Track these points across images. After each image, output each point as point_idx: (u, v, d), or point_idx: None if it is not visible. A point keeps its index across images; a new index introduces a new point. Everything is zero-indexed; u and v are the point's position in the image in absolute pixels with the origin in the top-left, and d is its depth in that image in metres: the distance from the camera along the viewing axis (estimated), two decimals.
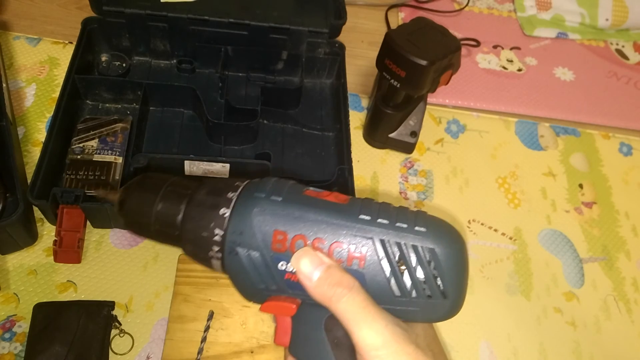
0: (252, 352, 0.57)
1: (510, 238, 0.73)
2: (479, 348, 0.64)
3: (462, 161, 0.79)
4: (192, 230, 0.33)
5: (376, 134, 0.76)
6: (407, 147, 0.76)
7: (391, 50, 0.63)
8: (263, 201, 0.32)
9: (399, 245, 0.30)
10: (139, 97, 0.71)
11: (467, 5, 0.99)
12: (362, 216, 0.31)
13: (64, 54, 0.78)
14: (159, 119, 0.73)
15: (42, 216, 0.62)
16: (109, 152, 0.65)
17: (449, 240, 0.31)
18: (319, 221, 0.31)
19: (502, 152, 0.81)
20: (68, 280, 0.60)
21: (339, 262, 0.31)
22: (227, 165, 0.64)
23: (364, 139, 0.78)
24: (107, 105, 0.73)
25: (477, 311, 0.66)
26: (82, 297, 0.59)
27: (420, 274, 0.30)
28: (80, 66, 0.69)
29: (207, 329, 0.57)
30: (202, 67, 0.78)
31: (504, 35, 0.96)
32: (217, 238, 0.32)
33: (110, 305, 0.58)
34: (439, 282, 0.30)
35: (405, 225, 0.31)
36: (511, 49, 0.95)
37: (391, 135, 0.75)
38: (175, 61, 0.78)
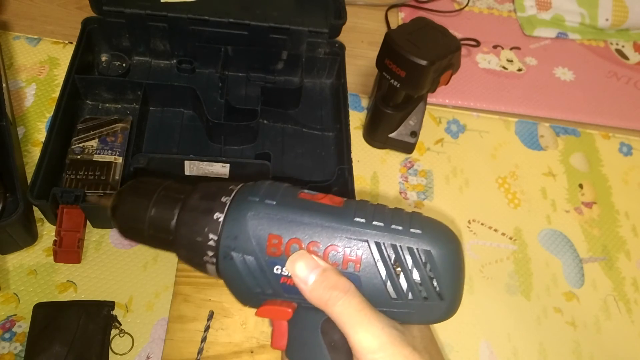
0: (252, 352, 0.57)
1: (510, 238, 0.73)
2: (479, 348, 0.64)
3: (462, 161, 0.79)
4: (186, 235, 0.33)
5: (376, 134, 0.76)
6: (407, 147, 0.76)
7: (391, 50, 0.63)
8: (257, 205, 0.32)
9: (394, 247, 0.30)
10: (139, 97, 0.71)
11: (467, 5, 0.99)
12: (357, 219, 0.31)
13: (64, 54, 0.78)
14: (159, 119, 0.73)
15: (42, 216, 0.62)
16: (109, 152, 0.65)
17: (445, 241, 0.31)
18: (313, 224, 0.31)
19: (502, 152, 0.81)
20: (68, 280, 0.60)
21: (334, 265, 0.31)
22: (227, 165, 0.64)
23: (364, 139, 0.78)
24: (107, 105, 0.73)
25: (477, 311, 0.66)
26: (82, 297, 0.59)
27: (416, 275, 0.30)
28: (80, 66, 0.69)
29: (207, 329, 0.57)
30: (202, 67, 0.78)
31: (504, 35, 0.96)
32: (211, 243, 0.32)
33: (110, 305, 0.58)
34: (435, 283, 0.30)
35: (400, 228, 0.31)
36: (511, 49, 0.94)
37: (391, 135, 0.75)
38: (175, 61, 0.78)
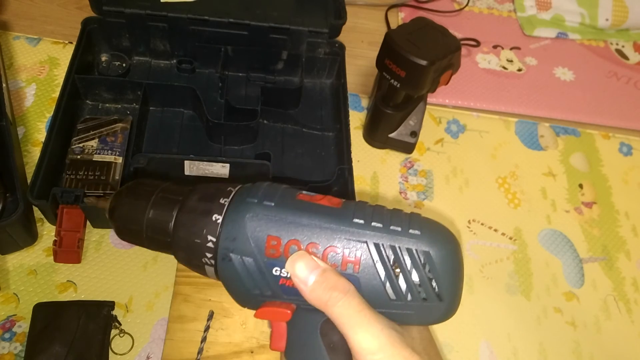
0: (252, 352, 0.57)
1: (510, 238, 0.73)
2: (479, 348, 0.64)
3: (462, 161, 0.79)
4: (184, 237, 0.33)
5: (376, 134, 0.76)
6: (407, 147, 0.76)
7: (391, 50, 0.63)
8: (256, 206, 0.32)
9: (393, 248, 0.30)
10: (139, 97, 0.71)
11: (467, 5, 0.99)
12: (356, 220, 0.31)
13: (64, 54, 0.78)
14: (159, 119, 0.73)
15: (42, 216, 0.62)
16: (109, 152, 0.65)
17: (444, 242, 0.31)
18: (312, 226, 0.31)
19: (502, 152, 0.81)
20: (68, 280, 0.60)
21: (333, 266, 0.31)
22: (227, 165, 0.64)
23: (364, 139, 0.78)
24: (107, 105, 0.73)
25: (477, 311, 0.66)
26: (82, 297, 0.59)
27: (415, 277, 0.30)
28: (80, 66, 0.69)
29: (207, 329, 0.57)
30: (202, 67, 0.78)
31: (504, 35, 0.96)
32: (209, 245, 0.32)
33: (110, 305, 0.58)
34: (434, 284, 0.30)
35: (399, 229, 0.31)
36: (511, 49, 0.94)
37: (391, 135, 0.75)
38: (175, 61, 0.78)
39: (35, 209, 0.62)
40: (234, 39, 0.74)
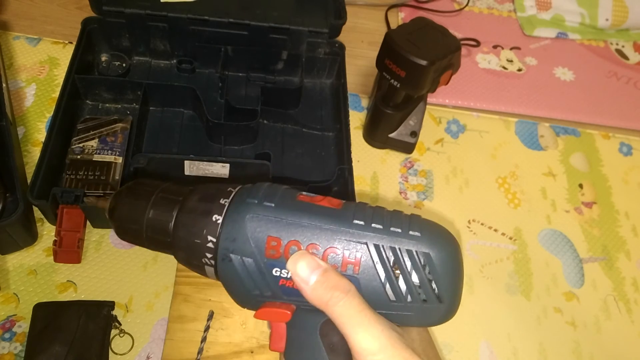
0: (252, 352, 0.57)
1: (510, 238, 0.73)
2: (479, 348, 0.64)
3: (462, 161, 0.79)
4: (184, 237, 0.33)
5: (376, 134, 0.76)
6: (407, 147, 0.76)
7: (391, 50, 0.63)
8: (256, 207, 0.32)
9: (393, 249, 0.30)
10: (139, 97, 0.71)
11: (467, 5, 0.99)
12: (356, 221, 0.31)
13: (64, 54, 0.78)
14: (159, 119, 0.73)
15: (42, 216, 0.62)
16: (109, 152, 0.65)
17: (444, 244, 0.31)
18: (313, 226, 0.31)
19: (502, 152, 0.81)
20: (68, 280, 0.60)
21: (333, 267, 0.31)
22: (227, 165, 0.64)
23: (364, 139, 0.78)
24: (107, 105, 0.73)
25: (477, 311, 0.66)
26: (82, 297, 0.59)
27: (415, 278, 0.30)
28: (80, 66, 0.69)
29: (207, 329, 0.57)
30: (202, 67, 0.78)
31: (504, 35, 0.96)
32: (209, 245, 0.32)
33: (110, 305, 0.58)
34: (434, 286, 0.30)
35: (399, 230, 0.31)
36: (511, 49, 0.94)
37: (391, 135, 0.75)
38: (175, 61, 0.78)
39: (35, 209, 0.62)
40: (234, 39, 0.74)
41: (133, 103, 0.73)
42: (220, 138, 0.72)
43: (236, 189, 0.33)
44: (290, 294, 0.32)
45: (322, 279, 0.30)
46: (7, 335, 0.56)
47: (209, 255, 0.32)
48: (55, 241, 0.58)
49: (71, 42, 0.79)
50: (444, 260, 0.30)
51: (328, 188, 0.67)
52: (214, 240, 0.32)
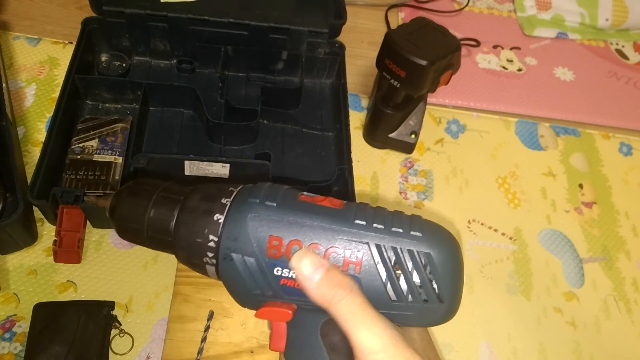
0: (252, 352, 0.57)
1: (510, 238, 0.73)
2: (479, 348, 0.64)
3: (462, 161, 0.79)
4: (186, 236, 0.33)
5: (376, 134, 0.76)
6: (407, 147, 0.76)
7: (391, 50, 0.63)
8: (257, 206, 0.32)
9: (394, 249, 0.30)
10: (139, 97, 0.71)
11: (467, 5, 0.99)
12: (357, 221, 0.31)
13: (64, 54, 0.78)
14: (159, 119, 0.73)
15: (42, 216, 0.62)
16: (109, 152, 0.65)
17: (445, 244, 0.31)
18: (314, 226, 0.31)
19: (502, 152, 0.81)
20: (68, 280, 0.60)
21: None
22: (227, 165, 0.64)
23: (364, 139, 0.78)
24: (107, 105, 0.73)
25: (477, 311, 0.66)
26: (82, 297, 0.59)
27: (416, 278, 0.30)
28: (80, 66, 0.69)
29: (207, 329, 0.57)
30: (202, 67, 0.78)
31: (504, 35, 0.96)
32: (211, 244, 0.32)
33: (110, 305, 0.58)
34: (435, 286, 0.30)
35: (400, 230, 0.31)
36: (511, 49, 0.94)
37: (391, 135, 0.75)
38: (175, 61, 0.78)
39: (35, 209, 0.62)
40: (234, 39, 0.74)
41: (133, 103, 0.73)
42: (220, 138, 0.72)
43: (238, 189, 0.34)
44: (292, 293, 0.32)
45: (326, 276, 0.30)
46: (7, 335, 0.56)
47: (210, 255, 0.32)
48: (55, 241, 0.58)
49: (71, 42, 0.79)
50: (444, 260, 0.30)
51: (328, 188, 0.67)
52: (216, 239, 0.32)
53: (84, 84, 0.70)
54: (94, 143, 0.66)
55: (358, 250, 0.31)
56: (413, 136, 0.74)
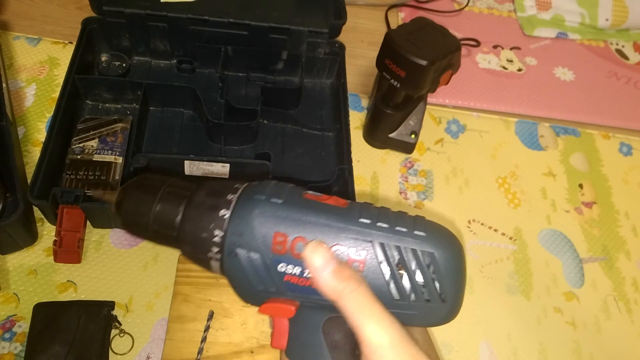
0: (252, 352, 0.57)
1: (510, 238, 0.73)
2: (479, 348, 0.64)
3: (462, 161, 0.79)
4: (191, 231, 0.33)
5: (376, 134, 0.76)
6: (407, 147, 0.76)
7: (391, 50, 0.63)
8: (263, 203, 0.32)
9: (398, 249, 0.31)
10: (139, 97, 0.71)
11: (467, 5, 0.99)
12: (362, 219, 0.31)
13: (64, 54, 0.78)
14: (159, 119, 0.73)
15: (42, 216, 0.62)
16: (109, 152, 0.65)
17: (448, 245, 0.31)
18: (319, 224, 0.31)
19: (502, 152, 0.81)
20: (68, 280, 0.60)
21: None
22: (227, 165, 0.64)
23: (364, 139, 0.78)
24: (107, 105, 0.73)
25: (477, 311, 0.66)
26: (82, 297, 0.59)
27: (419, 277, 0.31)
28: (80, 66, 0.69)
29: (207, 329, 0.57)
30: (202, 67, 0.78)
31: (504, 35, 0.96)
32: (216, 239, 0.32)
33: (110, 305, 0.58)
34: (438, 286, 0.31)
35: (405, 230, 0.31)
36: (511, 49, 0.94)
37: (391, 135, 0.75)
38: (175, 61, 0.78)
39: (35, 209, 0.62)
40: (234, 39, 0.74)
41: (133, 103, 0.73)
42: (220, 138, 0.72)
43: (243, 186, 0.34)
44: (295, 290, 0.32)
45: (338, 269, 0.30)
46: (7, 335, 0.56)
47: (215, 250, 0.33)
48: (55, 241, 0.58)
49: (71, 42, 0.79)
50: (448, 260, 0.31)
51: (328, 188, 0.67)
52: (221, 234, 0.32)
53: (84, 84, 0.70)
54: (94, 143, 0.66)
55: (362, 249, 0.31)
56: (413, 136, 0.74)
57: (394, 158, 0.77)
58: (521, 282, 0.69)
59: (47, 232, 0.62)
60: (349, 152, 0.68)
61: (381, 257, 0.31)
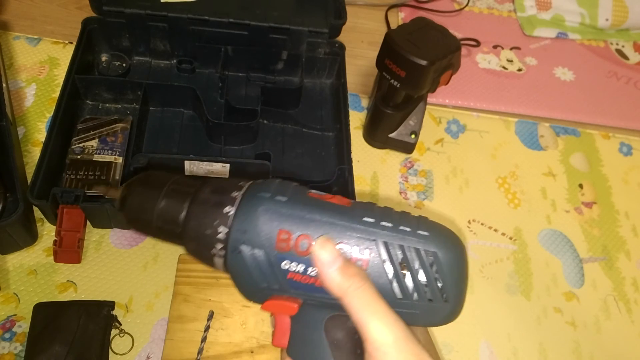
0: (252, 352, 0.57)
1: (510, 238, 0.73)
2: (479, 348, 0.64)
3: (462, 161, 0.79)
4: (196, 227, 0.33)
5: (376, 134, 0.76)
6: (407, 147, 0.76)
7: (391, 50, 0.63)
8: (268, 201, 0.32)
9: (402, 248, 0.31)
10: (139, 97, 0.71)
11: (467, 5, 0.99)
12: (366, 218, 0.31)
13: (64, 54, 0.78)
14: (159, 119, 0.73)
15: (42, 216, 0.62)
16: (109, 152, 0.65)
17: (451, 244, 0.31)
18: (323, 222, 0.31)
19: (502, 152, 0.81)
20: (68, 280, 0.60)
21: None
22: (227, 165, 0.64)
23: (364, 139, 0.78)
24: (107, 105, 0.73)
25: (477, 311, 0.66)
26: (82, 297, 0.59)
27: (422, 277, 0.31)
28: (80, 66, 0.69)
29: (207, 329, 0.57)
30: (202, 67, 0.78)
31: (504, 35, 0.96)
32: (221, 236, 0.32)
33: (110, 305, 0.58)
34: (440, 285, 0.31)
35: (408, 229, 0.31)
36: (511, 49, 0.95)
37: (391, 135, 0.75)
38: (175, 61, 0.78)
39: (35, 209, 0.62)
40: (234, 39, 0.74)
41: (133, 103, 0.73)
42: (220, 138, 0.72)
43: (248, 183, 0.34)
44: (298, 287, 0.32)
45: (345, 265, 0.30)
46: (7, 335, 0.56)
47: (219, 247, 0.33)
48: (55, 241, 0.58)
49: (71, 42, 0.79)
50: (450, 260, 0.31)
51: (328, 188, 0.67)
52: (226, 231, 0.32)
53: (84, 84, 0.70)
54: (94, 143, 0.66)
55: (366, 247, 0.31)
56: (413, 136, 0.74)
57: (394, 158, 0.77)
58: (521, 282, 0.69)
59: (47, 232, 0.62)
60: (349, 152, 0.68)
61: (384, 256, 0.31)
